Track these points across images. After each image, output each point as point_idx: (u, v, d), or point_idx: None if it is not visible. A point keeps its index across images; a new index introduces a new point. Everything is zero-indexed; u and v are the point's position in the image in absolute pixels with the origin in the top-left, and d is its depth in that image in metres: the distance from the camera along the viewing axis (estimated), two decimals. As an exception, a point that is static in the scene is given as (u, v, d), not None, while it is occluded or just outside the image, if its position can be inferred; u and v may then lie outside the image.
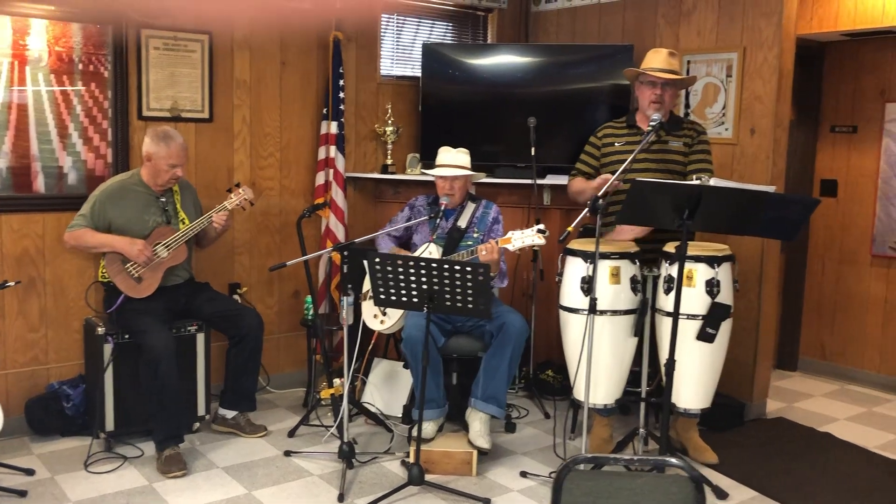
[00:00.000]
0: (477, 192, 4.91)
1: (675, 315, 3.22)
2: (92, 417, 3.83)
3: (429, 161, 5.06)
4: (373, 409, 4.27)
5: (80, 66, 3.96)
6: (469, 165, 3.99)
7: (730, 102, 4.46)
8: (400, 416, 4.26)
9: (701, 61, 4.59)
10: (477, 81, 5.06)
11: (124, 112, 4.09)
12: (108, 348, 3.75)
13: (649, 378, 3.78)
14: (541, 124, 4.70)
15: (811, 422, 4.50)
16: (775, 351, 5.56)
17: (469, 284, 3.25)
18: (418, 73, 5.09)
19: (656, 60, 3.70)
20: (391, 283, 3.33)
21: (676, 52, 3.79)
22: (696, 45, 4.62)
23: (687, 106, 4.67)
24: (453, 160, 3.95)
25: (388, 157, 5.00)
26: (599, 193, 3.29)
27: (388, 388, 4.42)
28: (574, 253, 3.55)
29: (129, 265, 3.71)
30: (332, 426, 4.01)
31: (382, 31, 5.12)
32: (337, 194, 4.66)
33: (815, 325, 5.47)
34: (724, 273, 3.41)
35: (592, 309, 3.28)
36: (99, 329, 3.77)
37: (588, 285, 3.45)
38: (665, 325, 3.45)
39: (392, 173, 4.98)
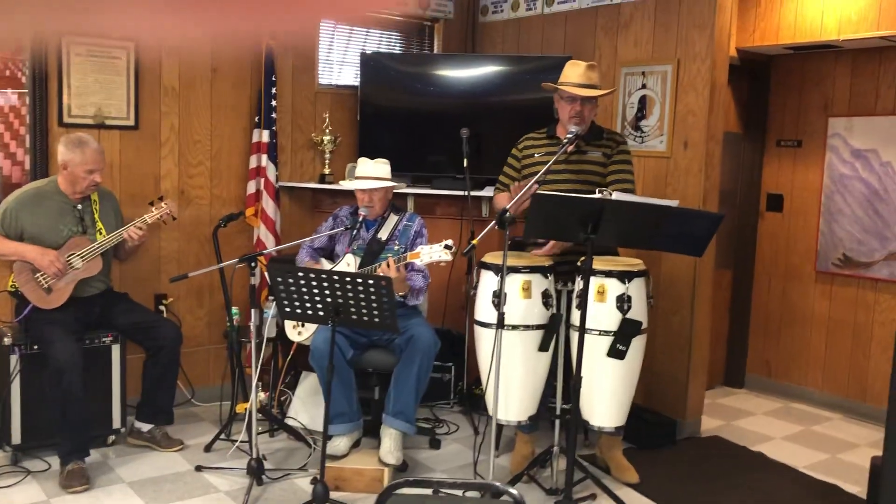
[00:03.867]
0: (415, 203, 4.86)
1: (581, 331, 3.16)
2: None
3: (367, 171, 5.01)
4: (296, 424, 4.19)
5: (-4, 72, 3.90)
6: (388, 176, 3.92)
7: (665, 115, 4.40)
8: (324, 430, 4.18)
9: (637, 73, 4.53)
10: (416, 91, 5.00)
11: (43, 118, 4.02)
12: (14, 359, 3.67)
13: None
14: (482, 135, 4.65)
15: (746, 441, 4.42)
16: (723, 367, 5.50)
17: (372, 298, 3.18)
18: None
19: (574, 74, 3.64)
20: (295, 296, 3.26)
21: (596, 63, 3.73)
22: (634, 56, 4.56)
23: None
24: (372, 171, 3.89)
25: (326, 166, 4.94)
26: (507, 206, 3.22)
27: (315, 403, 4.33)
28: (487, 266, 3.48)
29: (38, 275, 3.63)
30: (242, 441, 3.91)
31: (326, 39, 5.07)
32: (267, 204, 4.59)
33: (762, 341, 5.40)
34: (635, 289, 3.34)
35: (500, 324, 3.21)
36: (6, 339, 3.69)
37: (498, 299, 3.37)
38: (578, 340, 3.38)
39: (330, 183, 4.91)
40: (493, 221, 3.18)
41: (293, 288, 3.23)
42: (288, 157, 4.88)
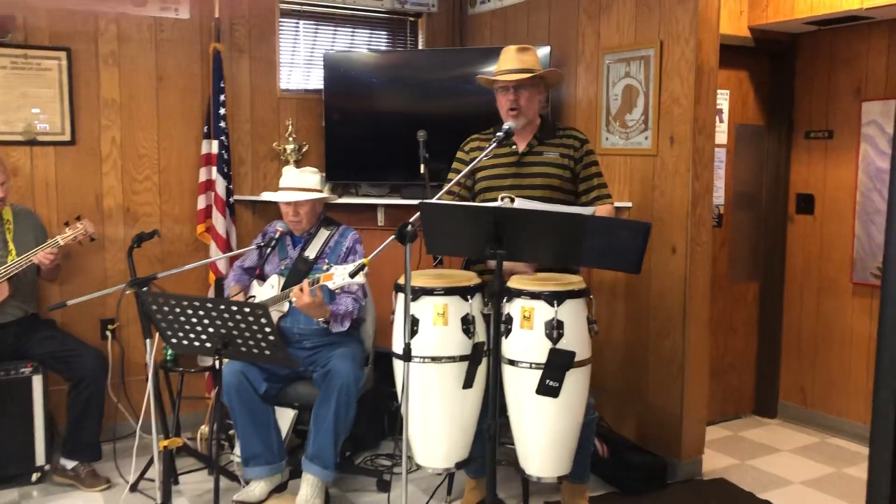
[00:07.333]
0: (386, 215, 4.43)
1: (496, 364, 2.65)
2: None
3: (336, 182, 4.62)
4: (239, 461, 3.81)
5: (-87, 89, 3.72)
6: (316, 186, 3.50)
7: (649, 107, 3.81)
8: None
9: (620, 60, 3.95)
10: (384, 93, 4.57)
11: (-34, 136, 3.82)
12: (-81, 391, 3.45)
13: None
14: (458, 138, 4.17)
15: (757, 485, 3.75)
16: (752, 395, 4.80)
17: (254, 329, 2.76)
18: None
19: (505, 61, 3.13)
20: (176, 326, 2.88)
21: (531, 46, 3.19)
22: (616, 41, 3.99)
23: (609, 113, 4.03)
24: (296, 182, 3.47)
25: (292, 178, 4.56)
26: (411, 220, 2.74)
27: (262, 436, 3.94)
28: (400, 289, 3.00)
29: (-61, 302, 3.41)
30: (145, 479, 3.54)
31: (292, 40, 4.72)
32: (217, 220, 4.24)
33: (796, 364, 4.66)
34: (568, 312, 2.78)
35: (407, 356, 2.73)
36: (-88, 370, 3.49)
37: (412, 327, 2.89)
38: (506, 374, 2.86)
39: (296, 196, 4.53)
40: (393, 236, 2.71)
41: (171, 317, 2.85)
42: (248, 168, 4.53)
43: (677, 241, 3.71)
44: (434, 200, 2.63)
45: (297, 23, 4.74)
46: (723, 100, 4.39)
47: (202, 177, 4.29)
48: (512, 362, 2.83)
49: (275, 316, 3.41)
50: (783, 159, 4.61)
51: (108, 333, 4.19)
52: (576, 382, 2.82)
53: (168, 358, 4.05)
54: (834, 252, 4.42)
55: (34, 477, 3.71)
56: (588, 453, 3.28)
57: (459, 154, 3.39)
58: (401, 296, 3.02)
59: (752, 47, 4.35)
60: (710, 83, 3.64)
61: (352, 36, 5.01)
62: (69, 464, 3.70)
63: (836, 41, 4.33)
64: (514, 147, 3.17)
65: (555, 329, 2.75)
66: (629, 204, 3.90)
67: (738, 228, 4.60)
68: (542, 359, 2.79)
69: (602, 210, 3.06)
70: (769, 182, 4.65)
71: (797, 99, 4.56)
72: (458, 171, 3.32)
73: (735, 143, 4.51)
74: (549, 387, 2.76)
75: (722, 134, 4.40)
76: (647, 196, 3.85)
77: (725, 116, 4.43)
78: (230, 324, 2.78)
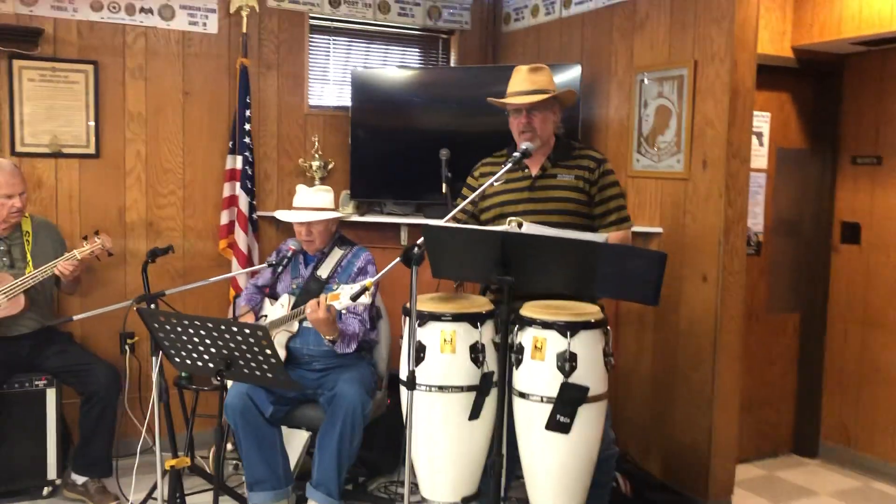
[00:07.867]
0: (409, 234, 4.34)
1: (502, 396, 2.52)
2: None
3: (360, 199, 4.55)
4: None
5: (-58, 100, 3.76)
6: (330, 206, 3.42)
7: (682, 128, 3.65)
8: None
9: (653, 80, 3.80)
10: (412, 110, 4.48)
11: (-8, 148, 3.85)
12: (-67, 402, 3.46)
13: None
14: (482, 157, 4.07)
15: (791, 531, 3.54)
16: (791, 432, 4.55)
17: (255, 350, 2.68)
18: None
19: (517, 82, 3.02)
20: (178, 345, 2.81)
21: (544, 65, 3.07)
22: (650, 60, 3.84)
23: (641, 134, 3.88)
24: (310, 201, 3.39)
25: (317, 195, 4.50)
26: (419, 241, 2.63)
27: (276, 458, 3.85)
28: (407, 313, 2.89)
29: (-46, 313, 3.41)
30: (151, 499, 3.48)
31: (324, 57, 4.67)
32: (239, 236, 4.20)
33: (838, 401, 4.41)
34: (582, 344, 2.63)
35: (411, 384, 2.62)
36: (-73, 380, 3.49)
37: (419, 353, 2.77)
38: (517, 407, 2.73)
39: (321, 213, 4.47)
40: (398, 258, 2.61)
41: (173, 336, 2.79)
42: (274, 185, 4.48)
43: (709, 270, 3.53)
44: (437, 223, 2.52)
45: (328, 39, 4.70)
46: (763, 122, 4.20)
47: (226, 192, 4.26)
48: (522, 395, 2.69)
49: (284, 336, 3.33)
50: (827, 185, 4.39)
51: (127, 348, 4.16)
52: (589, 418, 2.66)
53: (183, 375, 3.99)
54: (881, 284, 4.18)
55: (45, 491, 3.69)
56: (606, 491, 3.12)
57: (469, 180, 3.27)
58: (408, 319, 2.92)
59: (796, 68, 4.15)
60: (745, 105, 3.47)
61: (384, 53, 4.95)
62: (80, 479, 3.67)
63: (888, 61, 4.11)
64: (526, 171, 3.05)
65: (567, 361, 2.60)
66: (659, 229, 3.73)
67: (778, 257, 4.38)
68: (554, 392, 2.63)
69: (615, 237, 2.91)
70: (812, 209, 4.43)
71: (843, 122, 4.34)
72: (465, 197, 3.19)
73: (776, 168, 4.31)
74: (559, 422, 2.61)
75: (762, 158, 4.21)
76: (677, 221, 3.68)
77: (766, 140, 4.24)
78: (231, 345, 2.70)
